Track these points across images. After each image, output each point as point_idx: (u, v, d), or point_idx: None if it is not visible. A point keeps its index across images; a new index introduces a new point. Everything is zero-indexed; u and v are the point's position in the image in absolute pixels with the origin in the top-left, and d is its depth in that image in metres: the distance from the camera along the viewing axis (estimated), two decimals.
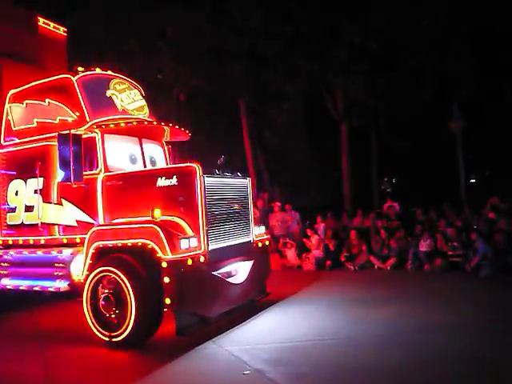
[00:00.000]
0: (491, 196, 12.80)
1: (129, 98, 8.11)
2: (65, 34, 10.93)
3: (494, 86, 18.33)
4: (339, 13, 17.18)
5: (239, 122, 20.40)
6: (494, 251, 9.94)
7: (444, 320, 6.66)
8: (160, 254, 6.00)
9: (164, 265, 5.95)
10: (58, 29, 10.81)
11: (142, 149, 7.98)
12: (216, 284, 6.64)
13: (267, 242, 8.40)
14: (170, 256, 5.95)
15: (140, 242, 6.19)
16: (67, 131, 6.98)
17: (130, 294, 6.03)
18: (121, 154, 7.63)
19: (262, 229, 8.30)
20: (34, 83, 8.07)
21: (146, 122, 7.68)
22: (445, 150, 18.85)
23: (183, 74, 18.42)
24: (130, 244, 6.30)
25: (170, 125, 7.82)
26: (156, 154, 8.38)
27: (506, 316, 6.75)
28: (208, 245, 6.51)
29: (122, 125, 7.30)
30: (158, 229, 6.06)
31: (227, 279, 6.93)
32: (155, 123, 7.62)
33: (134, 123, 7.49)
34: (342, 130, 20.08)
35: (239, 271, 7.31)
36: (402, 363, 5.10)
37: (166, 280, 5.91)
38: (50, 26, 10.60)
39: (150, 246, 6.10)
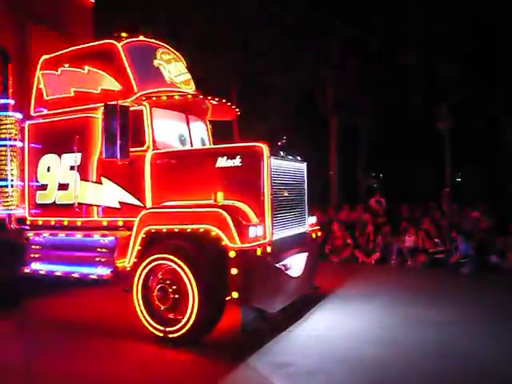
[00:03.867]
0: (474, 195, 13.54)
1: (176, 70, 7.39)
2: (92, 1, 10.10)
3: (483, 88, 18.54)
4: (337, 10, 17.28)
5: None
6: (476, 249, 10.20)
7: (425, 315, 6.69)
8: (226, 243, 5.35)
9: (232, 254, 5.29)
10: None
11: (188, 126, 7.29)
12: (279, 277, 6.04)
13: (319, 233, 7.80)
14: (238, 245, 5.31)
15: (202, 227, 5.53)
16: (114, 102, 6.25)
17: (191, 286, 5.37)
18: (168, 131, 6.94)
19: (314, 218, 7.69)
20: (70, 49, 7.32)
21: (200, 97, 6.92)
22: (432, 148, 19.03)
23: None
24: (189, 230, 5.63)
25: (224, 101, 7.11)
26: (202, 133, 7.70)
27: (485, 312, 6.85)
28: (273, 234, 5.88)
29: (176, 97, 6.59)
30: (225, 214, 5.39)
31: (286, 272, 6.32)
32: (211, 99, 6.87)
33: (189, 97, 6.78)
34: (330, 125, 20.00)
35: (294, 263, 6.69)
36: (381, 356, 5.12)
37: (234, 272, 5.27)
38: None
39: (214, 233, 5.44)
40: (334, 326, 6.24)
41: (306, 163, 7.21)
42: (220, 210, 5.44)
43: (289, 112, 20.39)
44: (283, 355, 5.17)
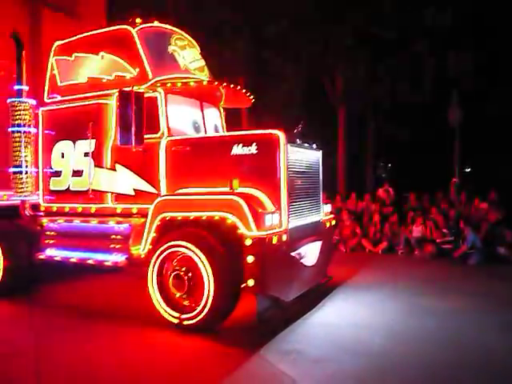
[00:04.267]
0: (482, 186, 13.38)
1: (190, 56, 7.31)
2: None
3: (493, 78, 18.39)
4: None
5: None
6: (483, 240, 10.19)
7: (432, 305, 6.67)
8: (242, 231, 5.31)
9: (248, 242, 5.25)
10: None
11: (202, 113, 7.23)
12: (294, 266, 5.99)
13: (333, 222, 7.73)
14: (254, 233, 5.26)
15: (218, 215, 5.49)
16: (129, 88, 6.19)
17: (207, 274, 5.35)
18: (183, 117, 6.88)
19: (329, 207, 7.63)
20: (84, 34, 7.24)
21: (215, 83, 6.83)
22: (441, 138, 18.88)
23: None
24: (204, 217, 5.60)
25: (239, 88, 7.03)
26: (216, 120, 7.64)
27: (492, 302, 6.83)
28: (289, 222, 5.83)
29: (192, 84, 6.51)
30: (242, 201, 5.34)
31: (301, 261, 6.28)
32: (226, 86, 6.78)
33: (204, 83, 6.71)
34: (339, 114, 19.84)
35: (309, 252, 6.64)
36: (386, 346, 5.10)
37: (250, 260, 5.23)
38: None
39: (229, 221, 5.40)
40: (343, 315, 6.24)
41: (321, 151, 7.13)
42: (236, 198, 5.40)
43: (297, 100, 20.28)
44: (293, 343, 5.17)
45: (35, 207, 7.45)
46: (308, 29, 17.66)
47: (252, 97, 7.56)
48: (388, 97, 19.16)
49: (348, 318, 6.13)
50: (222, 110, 7.94)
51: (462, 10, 17.45)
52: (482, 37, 18.19)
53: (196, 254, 5.43)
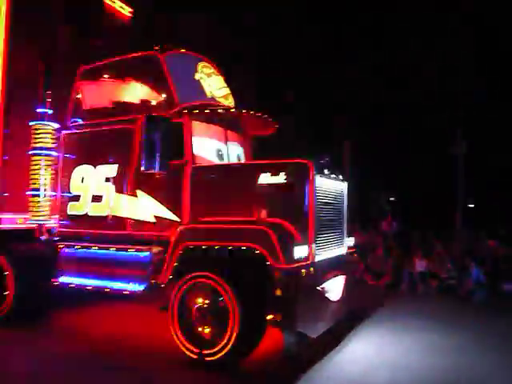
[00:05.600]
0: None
1: (216, 84, 7.27)
2: (130, 15, 10.11)
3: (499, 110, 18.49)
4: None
5: None
6: (488, 276, 10.11)
7: (435, 342, 6.62)
8: (270, 262, 5.10)
9: (276, 275, 5.04)
10: (123, 8, 9.99)
11: (226, 141, 7.12)
12: (320, 300, 5.75)
13: (355, 256, 7.51)
14: (283, 265, 5.06)
15: (245, 245, 5.29)
16: (156, 114, 6.11)
17: (233, 308, 5.11)
18: (207, 145, 6.76)
19: (352, 240, 7.42)
20: (110, 59, 7.22)
21: (243, 112, 6.72)
22: (445, 173, 18.85)
23: None
24: (230, 247, 5.40)
25: (265, 116, 6.94)
26: (239, 148, 7.52)
27: (498, 340, 6.77)
28: (316, 254, 5.62)
29: (219, 112, 6.43)
30: (271, 232, 5.15)
31: (327, 295, 6.04)
32: (254, 114, 6.70)
33: (232, 111, 6.64)
34: (344, 149, 19.92)
35: (333, 286, 6.40)
36: (392, 381, 5.08)
37: (278, 293, 5.01)
38: (115, 3, 9.79)
39: (257, 252, 5.20)
40: (347, 350, 6.11)
41: (346, 182, 6.98)
42: (265, 228, 5.21)
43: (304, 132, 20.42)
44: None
45: (52, 231, 7.28)
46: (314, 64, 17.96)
47: (276, 125, 7.46)
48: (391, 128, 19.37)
49: (354, 354, 6.00)
50: (246, 138, 7.83)
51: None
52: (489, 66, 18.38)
53: (221, 286, 5.21)
